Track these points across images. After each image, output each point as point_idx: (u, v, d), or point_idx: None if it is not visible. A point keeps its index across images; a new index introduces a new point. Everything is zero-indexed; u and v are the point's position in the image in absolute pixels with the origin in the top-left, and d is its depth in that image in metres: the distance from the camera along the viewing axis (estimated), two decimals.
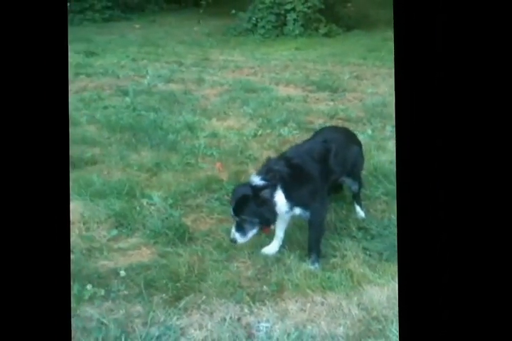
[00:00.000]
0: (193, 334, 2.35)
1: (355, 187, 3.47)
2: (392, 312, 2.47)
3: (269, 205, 2.73)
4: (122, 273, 2.79)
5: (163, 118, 5.36)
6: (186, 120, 5.33)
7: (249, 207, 2.69)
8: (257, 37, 11.43)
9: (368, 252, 3.01)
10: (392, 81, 6.84)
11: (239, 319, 2.45)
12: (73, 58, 7.78)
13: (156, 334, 2.33)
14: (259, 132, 5.11)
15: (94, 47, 9.33)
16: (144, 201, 3.62)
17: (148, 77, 7.25)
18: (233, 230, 2.76)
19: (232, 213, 2.76)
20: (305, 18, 11.34)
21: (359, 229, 3.29)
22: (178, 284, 2.68)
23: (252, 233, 2.76)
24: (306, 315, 2.47)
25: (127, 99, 6.10)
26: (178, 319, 2.44)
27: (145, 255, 3.01)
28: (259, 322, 2.43)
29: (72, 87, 6.43)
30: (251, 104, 6.03)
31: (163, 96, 6.31)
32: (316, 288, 2.65)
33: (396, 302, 2.52)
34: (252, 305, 2.54)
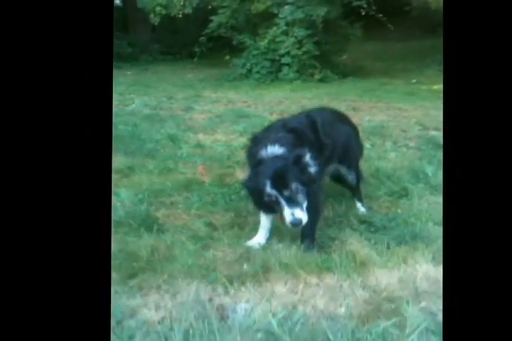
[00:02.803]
0: (146, 314, 1.82)
1: (352, 177, 3.06)
2: (407, 292, 1.95)
3: (308, 168, 2.35)
4: None
5: (142, 131, 4.95)
6: (168, 132, 4.91)
7: (295, 174, 2.27)
8: (252, 81, 11.21)
9: (372, 241, 2.52)
10: (389, 113, 6.44)
11: (210, 299, 1.93)
12: None
13: None
14: None
15: None
16: None
17: (133, 105, 6.92)
18: (287, 211, 2.20)
19: (274, 191, 2.22)
20: (300, 63, 11.21)
21: (361, 222, 2.82)
22: (134, 264, 2.18)
23: (305, 204, 2.28)
24: (298, 296, 1.95)
25: None
26: (128, 298, 1.91)
27: None
28: (236, 303, 1.90)
29: None
30: (242, 124, 5.63)
31: (146, 115, 5.93)
32: (311, 269, 2.14)
33: (411, 283, 2.03)
34: (228, 286, 2.02)
